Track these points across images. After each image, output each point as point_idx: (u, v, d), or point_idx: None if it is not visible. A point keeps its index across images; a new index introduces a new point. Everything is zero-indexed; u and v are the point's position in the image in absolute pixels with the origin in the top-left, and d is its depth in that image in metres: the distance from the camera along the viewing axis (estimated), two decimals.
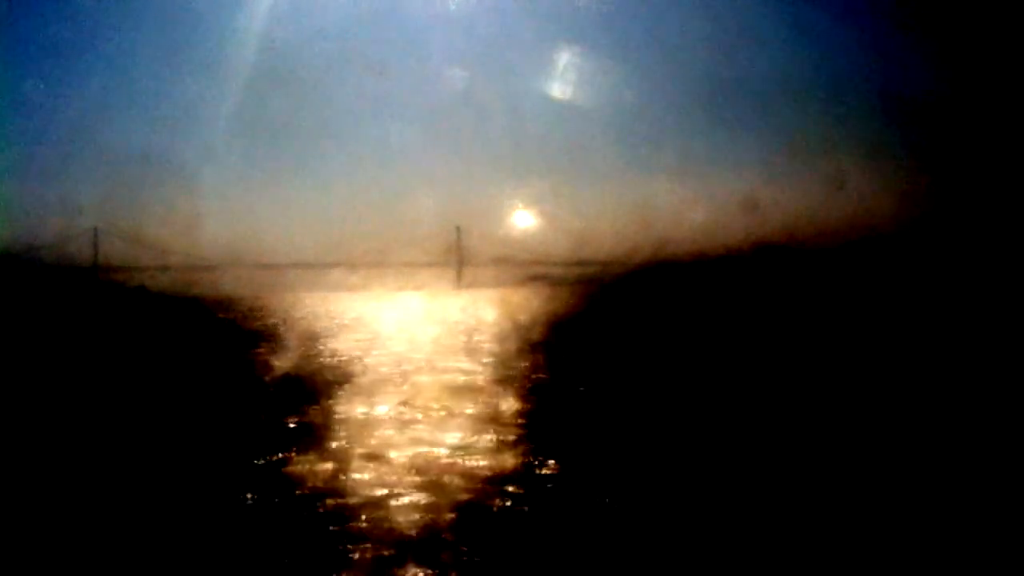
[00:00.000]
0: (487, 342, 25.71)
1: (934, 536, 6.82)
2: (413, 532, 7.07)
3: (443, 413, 12.65)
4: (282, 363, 20.21)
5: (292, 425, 11.70)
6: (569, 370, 17.90)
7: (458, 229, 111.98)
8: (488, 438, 10.58)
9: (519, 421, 11.82)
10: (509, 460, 9.42)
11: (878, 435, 10.47)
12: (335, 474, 8.94)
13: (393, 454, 9.78)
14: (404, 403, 13.56)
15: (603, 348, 23.88)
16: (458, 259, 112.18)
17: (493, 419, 11.97)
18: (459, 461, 9.43)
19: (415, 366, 19.07)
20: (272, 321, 40.76)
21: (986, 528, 6.93)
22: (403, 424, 11.73)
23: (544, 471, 8.90)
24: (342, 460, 9.52)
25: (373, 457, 9.67)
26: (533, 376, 16.76)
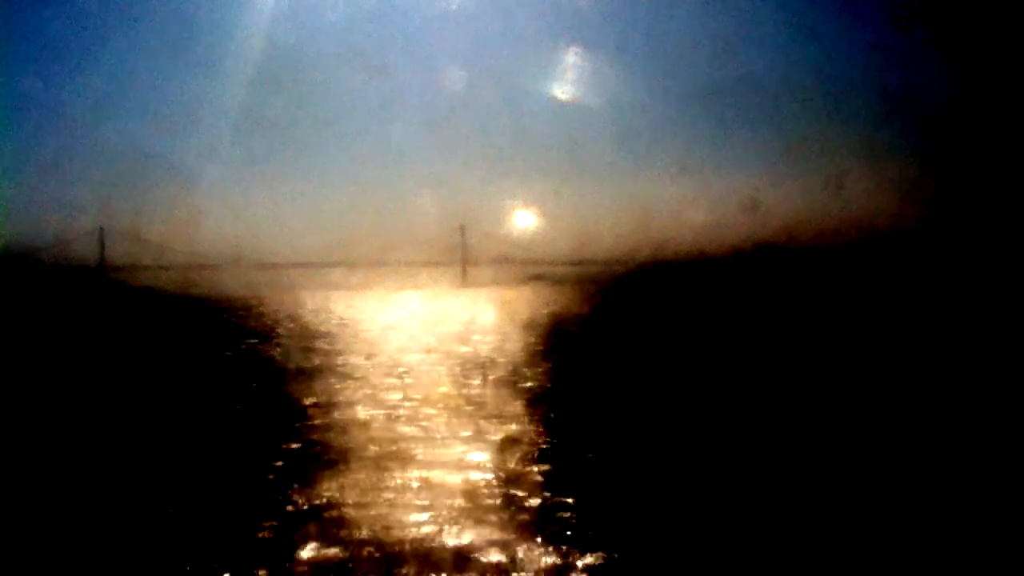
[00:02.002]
0: (484, 342, 25.59)
1: (934, 536, 6.79)
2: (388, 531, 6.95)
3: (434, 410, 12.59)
4: (272, 362, 20.21)
5: (274, 423, 11.61)
6: (568, 370, 17.78)
7: (462, 228, 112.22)
8: (478, 435, 10.48)
9: (514, 423, 11.67)
10: (504, 465, 9.30)
11: (878, 435, 10.44)
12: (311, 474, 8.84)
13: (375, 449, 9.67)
14: (388, 403, 13.47)
15: (604, 349, 23.74)
16: (463, 258, 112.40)
17: (484, 417, 11.90)
18: (450, 468, 9.28)
19: (407, 367, 18.96)
20: (268, 321, 40.69)
21: (986, 528, 6.90)
22: (381, 423, 11.62)
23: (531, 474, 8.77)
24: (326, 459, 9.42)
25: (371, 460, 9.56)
26: (530, 377, 16.66)
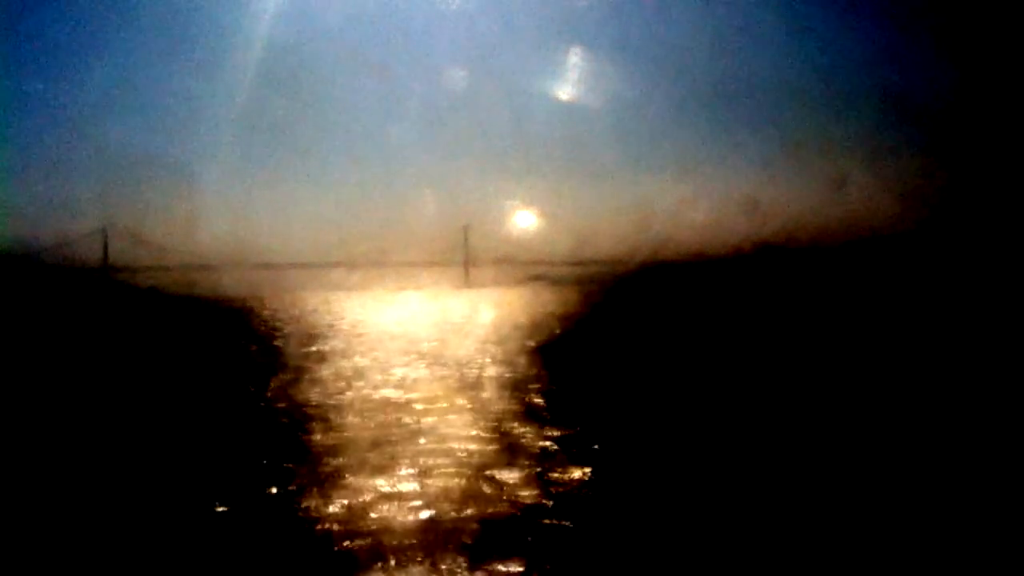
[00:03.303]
0: (472, 344, 25.42)
1: (934, 536, 6.65)
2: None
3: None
4: (254, 364, 20.10)
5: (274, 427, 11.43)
6: (550, 373, 17.51)
7: (466, 229, 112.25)
8: (413, 441, 10.25)
9: (468, 428, 11.43)
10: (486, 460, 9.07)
11: (878, 435, 10.25)
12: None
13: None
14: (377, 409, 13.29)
15: (603, 349, 23.53)
16: (466, 259, 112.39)
17: (440, 421, 11.69)
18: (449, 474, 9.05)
19: (385, 370, 18.78)
20: (262, 322, 40.74)
21: (986, 528, 6.77)
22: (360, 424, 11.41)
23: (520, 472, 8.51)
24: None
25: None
26: (507, 380, 16.44)
